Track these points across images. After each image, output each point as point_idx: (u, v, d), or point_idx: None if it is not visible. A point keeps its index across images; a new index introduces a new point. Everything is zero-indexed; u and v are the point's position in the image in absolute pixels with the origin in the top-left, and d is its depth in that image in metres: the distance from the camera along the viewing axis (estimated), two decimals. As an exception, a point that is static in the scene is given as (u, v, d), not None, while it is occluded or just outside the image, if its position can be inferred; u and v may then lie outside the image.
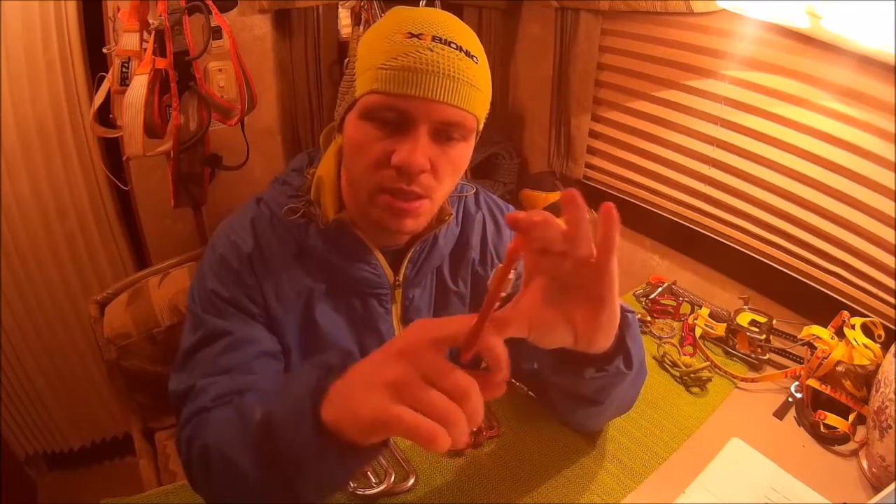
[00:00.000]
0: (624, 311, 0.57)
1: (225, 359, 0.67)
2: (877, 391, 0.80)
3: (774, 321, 1.02)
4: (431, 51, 0.60)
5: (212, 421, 0.62)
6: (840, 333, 0.93)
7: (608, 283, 0.47)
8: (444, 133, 0.63)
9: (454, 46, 0.61)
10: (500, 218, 0.85)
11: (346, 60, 0.68)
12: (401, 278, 0.76)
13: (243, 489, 0.55)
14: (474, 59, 0.63)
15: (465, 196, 0.82)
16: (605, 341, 0.54)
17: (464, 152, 0.67)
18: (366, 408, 0.45)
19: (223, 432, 0.58)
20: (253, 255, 0.71)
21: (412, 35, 0.60)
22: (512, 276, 0.44)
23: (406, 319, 0.78)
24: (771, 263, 1.23)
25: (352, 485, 0.73)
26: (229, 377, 0.66)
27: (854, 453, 0.83)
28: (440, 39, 0.60)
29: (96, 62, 1.31)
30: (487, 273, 0.79)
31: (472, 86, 0.62)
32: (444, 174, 0.65)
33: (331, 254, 0.72)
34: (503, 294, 0.44)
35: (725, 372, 0.98)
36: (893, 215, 1.00)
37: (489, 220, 0.84)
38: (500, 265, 0.44)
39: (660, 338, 1.06)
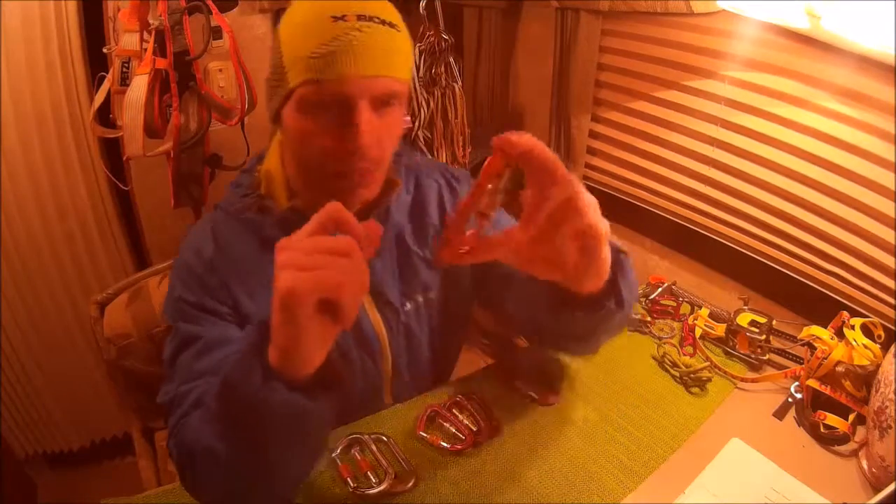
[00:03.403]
0: (616, 251, 0.60)
1: (199, 363, 0.69)
2: (877, 391, 0.80)
3: (774, 321, 1.02)
4: (359, 30, 0.62)
5: (189, 422, 0.64)
6: (840, 334, 0.93)
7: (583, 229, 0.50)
8: (382, 104, 0.66)
9: (378, 21, 0.63)
10: (455, 183, 0.88)
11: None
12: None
13: (223, 473, 0.58)
14: (397, 28, 0.66)
15: (419, 167, 0.87)
16: (595, 283, 0.57)
17: (400, 117, 0.71)
18: (275, 299, 0.49)
19: (198, 427, 0.61)
20: (214, 257, 0.74)
21: (337, 18, 0.62)
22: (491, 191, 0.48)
23: (372, 290, 0.79)
24: (771, 264, 1.23)
25: (352, 485, 0.73)
26: (205, 381, 0.67)
27: (854, 453, 0.83)
28: (365, 17, 0.62)
29: (96, 62, 1.31)
30: None
31: (400, 53, 0.66)
32: (387, 142, 0.69)
33: None
34: (488, 213, 0.48)
35: (725, 372, 0.98)
36: (893, 215, 1.00)
37: (445, 188, 0.87)
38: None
39: (660, 338, 1.06)
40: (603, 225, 0.51)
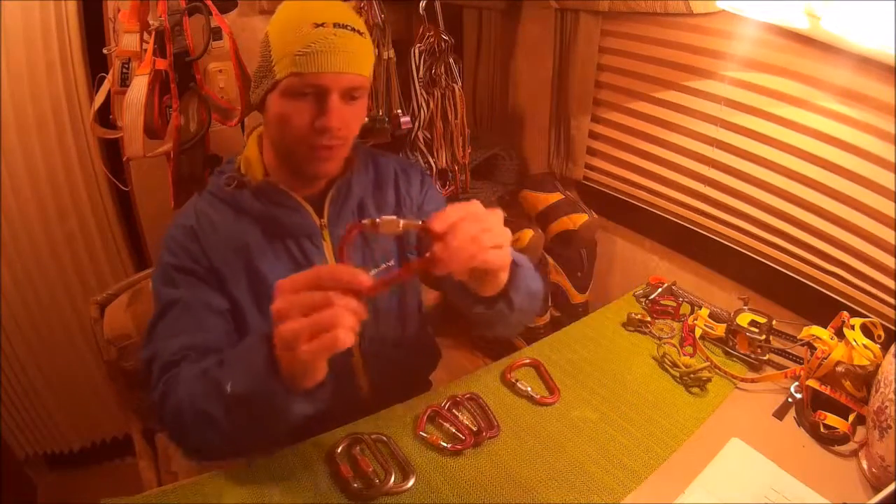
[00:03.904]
0: (514, 265, 0.75)
1: (179, 322, 0.80)
2: (876, 391, 0.80)
3: (774, 322, 1.02)
4: (335, 35, 0.76)
5: (181, 381, 0.73)
6: (840, 334, 0.93)
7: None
8: (349, 96, 0.80)
9: (349, 28, 0.78)
10: (408, 168, 1.03)
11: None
12: (325, 220, 0.89)
13: (214, 432, 0.68)
14: (363, 34, 0.81)
15: (377, 155, 1.01)
16: (490, 290, 0.75)
17: (363, 107, 0.86)
18: (294, 363, 0.58)
19: (194, 391, 0.70)
20: (195, 227, 0.85)
21: (318, 25, 0.76)
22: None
23: (337, 254, 0.90)
24: (770, 264, 1.23)
25: (352, 485, 0.73)
26: (185, 336, 0.79)
27: (854, 453, 0.83)
28: (339, 25, 0.77)
29: (96, 63, 1.31)
30: (402, 210, 0.97)
31: (364, 55, 0.80)
32: (352, 125, 0.84)
33: (265, 207, 0.86)
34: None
35: (725, 372, 0.98)
36: (893, 216, 1.00)
37: (399, 171, 1.00)
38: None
39: (660, 338, 1.07)
40: (501, 259, 0.66)
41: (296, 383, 0.60)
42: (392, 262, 0.96)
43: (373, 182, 0.97)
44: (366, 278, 0.57)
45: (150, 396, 0.77)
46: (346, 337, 0.55)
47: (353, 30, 0.79)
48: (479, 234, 0.62)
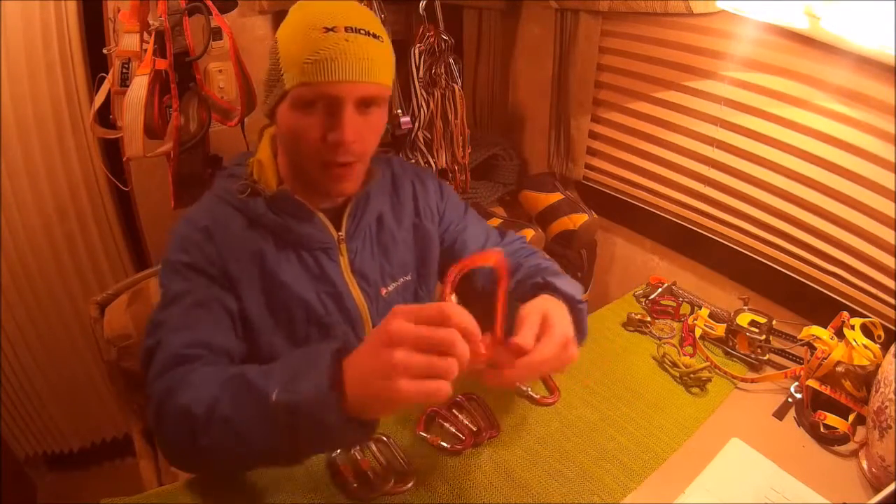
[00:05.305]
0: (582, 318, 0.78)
1: (191, 315, 0.74)
2: (876, 391, 0.80)
3: (774, 322, 1.02)
4: (347, 41, 0.70)
5: (198, 381, 0.65)
6: (840, 334, 0.93)
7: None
8: (364, 105, 0.74)
9: (363, 32, 0.71)
10: (424, 177, 0.99)
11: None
12: (343, 234, 0.85)
13: (239, 451, 0.60)
14: (380, 38, 0.74)
15: (393, 163, 0.97)
16: None
17: (381, 117, 0.79)
18: (380, 394, 0.52)
19: (218, 396, 0.61)
20: (209, 226, 0.78)
21: (328, 29, 0.70)
22: None
23: (354, 269, 0.86)
24: (771, 264, 1.23)
25: (352, 484, 0.73)
26: (199, 330, 0.72)
27: (854, 453, 0.83)
28: (352, 29, 0.71)
29: (96, 63, 1.31)
30: (423, 222, 0.94)
31: (382, 62, 0.74)
32: (369, 139, 0.78)
33: (279, 217, 0.81)
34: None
35: (725, 372, 0.98)
36: (893, 216, 1.00)
37: (416, 180, 0.97)
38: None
39: (660, 338, 1.07)
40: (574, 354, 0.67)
41: (356, 410, 0.54)
42: (410, 276, 0.94)
43: (390, 193, 0.93)
44: (483, 344, 0.55)
45: (147, 390, 0.68)
46: (448, 392, 0.50)
47: (368, 33, 0.72)
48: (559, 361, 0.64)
